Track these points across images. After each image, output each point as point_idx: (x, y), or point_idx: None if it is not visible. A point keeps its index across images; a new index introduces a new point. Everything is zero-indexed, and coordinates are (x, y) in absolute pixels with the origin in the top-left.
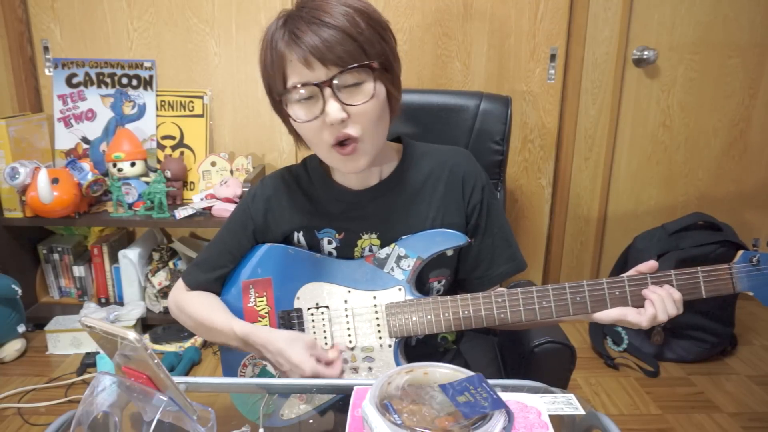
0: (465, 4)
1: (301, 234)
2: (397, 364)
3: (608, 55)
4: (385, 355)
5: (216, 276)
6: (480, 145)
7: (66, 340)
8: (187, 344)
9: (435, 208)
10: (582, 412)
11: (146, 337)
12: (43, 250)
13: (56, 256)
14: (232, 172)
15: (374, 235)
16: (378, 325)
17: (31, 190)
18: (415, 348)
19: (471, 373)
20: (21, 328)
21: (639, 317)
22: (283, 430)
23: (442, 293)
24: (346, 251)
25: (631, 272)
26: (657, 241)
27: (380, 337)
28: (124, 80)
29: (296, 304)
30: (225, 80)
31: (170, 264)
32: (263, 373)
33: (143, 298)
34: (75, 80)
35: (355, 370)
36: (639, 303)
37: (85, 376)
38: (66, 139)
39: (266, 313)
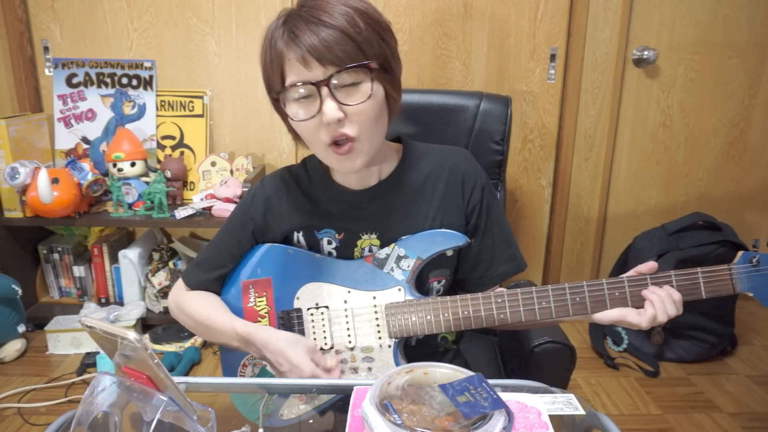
0: (465, 4)
1: (300, 234)
2: (397, 364)
3: (608, 55)
4: (384, 356)
5: (216, 276)
6: (480, 145)
7: (66, 340)
8: (187, 344)
9: (435, 208)
10: (582, 412)
11: (146, 337)
12: (43, 250)
13: (56, 256)
14: (232, 172)
15: (374, 236)
16: (378, 325)
17: (31, 190)
18: (414, 348)
19: (471, 373)
20: (21, 328)
21: (639, 318)
22: (283, 430)
23: (442, 293)
24: (345, 251)
25: (631, 273)
26: (657, 241)
27: (380, 338)
28: (124, 80)
29: (296, 304)
30: (225, 80)
31: (170, 264)
32: (263, 373)
33: (143, 298)
34: (75, 80)
35: (355, 370)
36: (639, 304)
37: (85, 376)
38: (66, 139)
39: (266, 313)
